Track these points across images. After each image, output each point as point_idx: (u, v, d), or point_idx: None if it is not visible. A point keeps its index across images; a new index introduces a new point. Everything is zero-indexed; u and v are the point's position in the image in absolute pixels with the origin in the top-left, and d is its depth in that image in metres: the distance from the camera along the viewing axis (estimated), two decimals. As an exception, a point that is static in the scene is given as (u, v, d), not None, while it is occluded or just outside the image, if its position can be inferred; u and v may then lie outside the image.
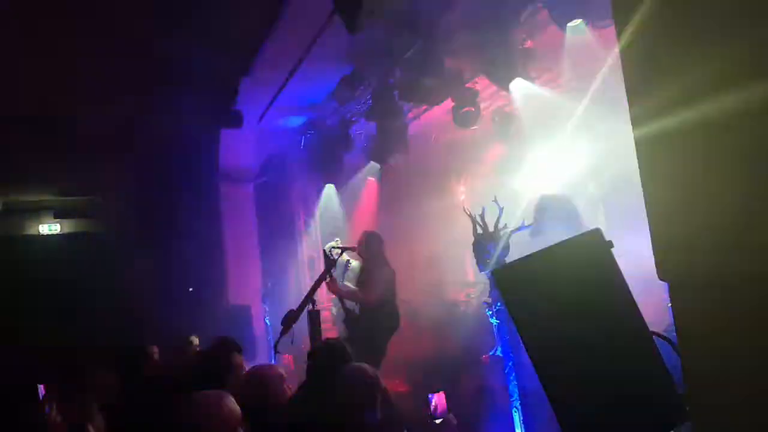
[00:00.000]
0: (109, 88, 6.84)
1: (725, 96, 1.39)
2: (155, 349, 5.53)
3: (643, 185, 1.59)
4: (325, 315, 6.49)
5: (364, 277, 5.86)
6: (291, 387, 3.31)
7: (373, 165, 8.47)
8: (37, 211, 9.11)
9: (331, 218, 9.33)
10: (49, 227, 9.14)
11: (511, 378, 3.72)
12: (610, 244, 1.93)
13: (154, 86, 6.88)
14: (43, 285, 7.92)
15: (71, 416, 3.16)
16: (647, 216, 1.59)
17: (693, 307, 1.55)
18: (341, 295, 5.77)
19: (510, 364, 3.73)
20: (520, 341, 2.13)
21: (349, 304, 5.80)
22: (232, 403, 2.37)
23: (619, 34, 1.63)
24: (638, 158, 1.60)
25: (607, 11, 4.36)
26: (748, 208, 1.37)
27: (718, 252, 1.45)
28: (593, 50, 5.28)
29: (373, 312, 5.67)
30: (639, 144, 1.60)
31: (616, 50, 1.67)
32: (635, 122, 1.61)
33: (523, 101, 5.90)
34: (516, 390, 3.69)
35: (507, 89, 5.64)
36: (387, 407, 3.00)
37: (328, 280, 5.64)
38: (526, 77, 5.55)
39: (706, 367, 1.54)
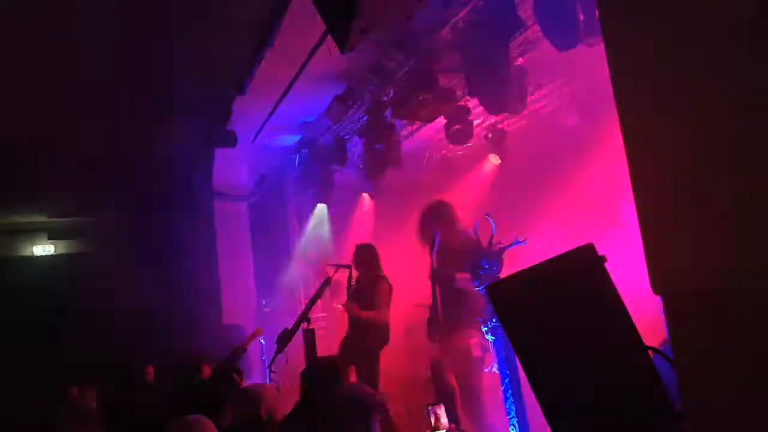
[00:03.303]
0: (103, 109, 6.84)
1: (718, 105, 1.40)
2: (150, 369, 5.49)
3: (635, 197, 1.59)
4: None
5: (364, 293, 5.79)
6: (284, 406, 3.28)
7: (367, 182, 8.48)
8: (31, 233, 9.08)
9: (321, 236, 9.32)
10: (43, 248, 9.10)
11: (508, 395, 3.70)
12: (603, 259, 1.93)
13: (147, 106, 6.89)
14: (37, 306, 7.87)
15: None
16: (640, 228, 1.59)
17: (687, 320, 1.54)
18: (359, 316, 5.71)
19: (507, 380, 3.71)
20: (516, 357, 2.12)
21: (352, 321, 5.77)
22: (212, 428, 2.35)
23: (606, 43, 1.64)
24: (630, 169, 1.60)
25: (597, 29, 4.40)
26: (742, 219, 1.37)
27: (712, 264, 1.45)
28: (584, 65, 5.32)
29: (366, 327, 5.65)
30: (630, 154, 1.60)
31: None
32: (626, 133, 1.61)
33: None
34: (513, 407, 3.67)
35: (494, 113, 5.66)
36: (385, 425, 2.96)
37: (347, 302, 5.68)
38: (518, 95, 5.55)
39: (701, 381, 1.53)
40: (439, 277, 4.66)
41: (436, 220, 4.86)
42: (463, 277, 4.43)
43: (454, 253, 4.57)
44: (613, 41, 1.65)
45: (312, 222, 9.44)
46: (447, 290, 4.62)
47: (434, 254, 4.66)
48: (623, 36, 1.63)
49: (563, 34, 4.44)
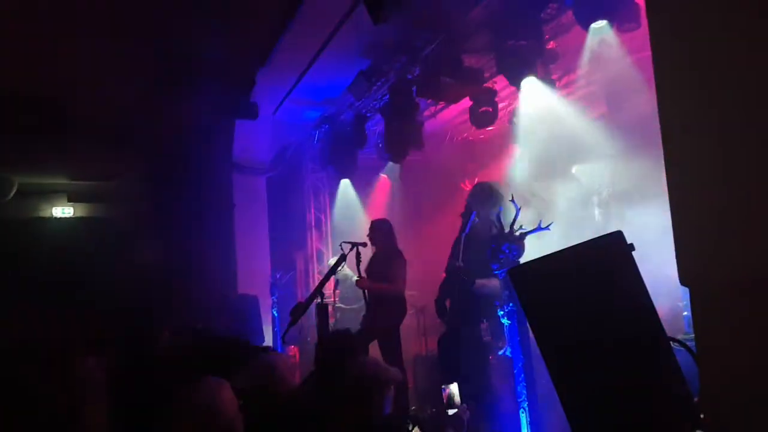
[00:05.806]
0: (126, 75, 6.86)
1: (757, 98, 1.36)
2: (166, 333, 5.54)
3: (668, 185, 1.57)
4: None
5: (380, 268, 5.80)
6: (297, 376, 3.31)
7: (386, 162, 8.45)
8: (51, 194, 9.17)
9: (345, 213, 9.32)
10: (62, 210, 9.19)
11: (520, 379, 3.70)
12: (630, 247, 1.90)
13: (171, 74, 6.89)
14: (53, 267, 7.96)
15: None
16: (671, 218, 1.57)
17: (714, 313, 1.52)
18: (372, 289, 5.73)
19: (520, 365, 3.71)
20: (531, 342, 2.11)
21: (370, 297, 5.76)
22: (229, 392, 2.35)
23: (651, 31, 1.60)
24: (665, 159, 1.57)
25: (632, 14, 4.32)
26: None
27: (743, 256, 1.43)
28: (615, 53, 5.23)
29: (384, 303, 5.66)
30: (666, 145, 1.57)
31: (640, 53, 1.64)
32: (664, 124, 1.58)
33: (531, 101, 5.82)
34: (524, 391, 3.67)
35: (518, 86, 5.58)
36: (398, 400, 2.99)
37: (358, 278, 5.65)
38: (544, 78, 5.49)
39: (724, 375, 1.52)
40: (465, 276, 4.71)
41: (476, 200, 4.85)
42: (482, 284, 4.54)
43: (481, 241, 4.55)
44: (657, 24, 1.62)
45: (339, 199, 9.42)
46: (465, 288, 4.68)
47: (464, 235, 4.65)
48: (667, 20, 1.59)
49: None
